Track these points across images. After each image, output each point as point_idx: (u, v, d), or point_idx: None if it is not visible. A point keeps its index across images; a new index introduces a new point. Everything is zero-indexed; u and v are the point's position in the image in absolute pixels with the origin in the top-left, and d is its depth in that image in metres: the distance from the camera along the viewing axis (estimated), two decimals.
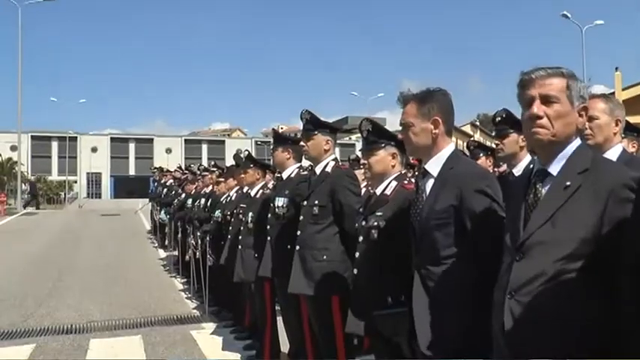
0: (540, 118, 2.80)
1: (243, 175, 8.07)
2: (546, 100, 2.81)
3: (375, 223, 4.47)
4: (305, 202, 5.82)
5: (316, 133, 5.84)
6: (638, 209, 2.47)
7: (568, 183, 2.67)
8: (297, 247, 5.76)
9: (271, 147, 7.22)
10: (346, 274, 5.39)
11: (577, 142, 2.81)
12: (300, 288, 5.69)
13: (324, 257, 5.57)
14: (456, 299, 3.32)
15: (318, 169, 5.86)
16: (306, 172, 6.52)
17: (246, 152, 8.34)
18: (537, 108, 2.81)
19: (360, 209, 4.95)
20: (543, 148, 2.86)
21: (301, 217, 5.83)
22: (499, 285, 2.84)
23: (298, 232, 5.79)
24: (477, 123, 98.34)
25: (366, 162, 4.78)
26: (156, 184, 23.69)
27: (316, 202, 5.69)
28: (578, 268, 2.58)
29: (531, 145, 3.11)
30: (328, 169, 5.80)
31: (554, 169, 2.78)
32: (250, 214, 7.54)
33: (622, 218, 2.52)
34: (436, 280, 3.44)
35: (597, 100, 4.32)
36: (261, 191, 7.74)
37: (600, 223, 2.55)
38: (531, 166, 3.04)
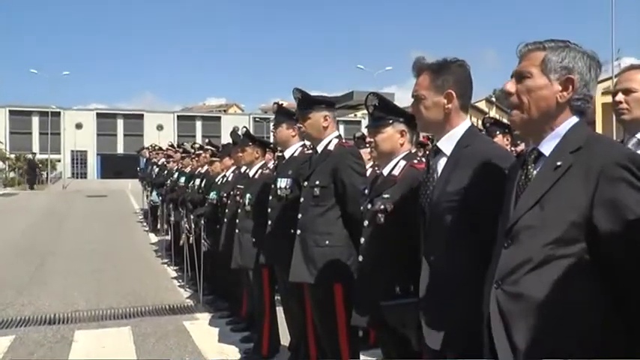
0: (510, 95, 2.85)
1: (240, 154, 8.08)
2: (520, 76, 2.84)
3: (382, 207, 4.47)
4: (305, 183, 5.83)
5: (311, 111, 5.83)
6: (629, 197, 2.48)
7: (559, 163, 2.65)
8: (298, 232, 5.78)
9: (272, 123, 7.20)
10: (350, 260, 5.42)
11: (573, 119, 2.78)
12: (300, 276, 5.71)
13: (327, 242, 5.59)
14: (466, 290, 3.27)
15: (319, 148, 5.87)
16: (310, 151, 6.51)
17: (244, 129, 8.33)
18: (509, 85, 2.87)
19: (366, 191, 4.94)
20: (521, 129, 2.91)
21: (302, 199, 5.84)
22: (488, 274, 2.83)
23: (299, 216, 5.81)
24: (493, 99, 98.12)
25: (372, 140, 4.74)
26: (146, 162, 23.69)
27: (317, 182, 5.69)
28: (568, 254, 2.56)
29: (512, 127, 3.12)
30: (331, 146, 5.80)
31: (547, 148, 2.77)
32: (248, 195, 7.56)
33: (613, 199, 2.49)
34: (445, 268, 3.41)
35: (637, 71, 4.24)
36: (260, 171, 7.76)
37: (590, 204, 2.52)
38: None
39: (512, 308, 2.65)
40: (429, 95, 3.66)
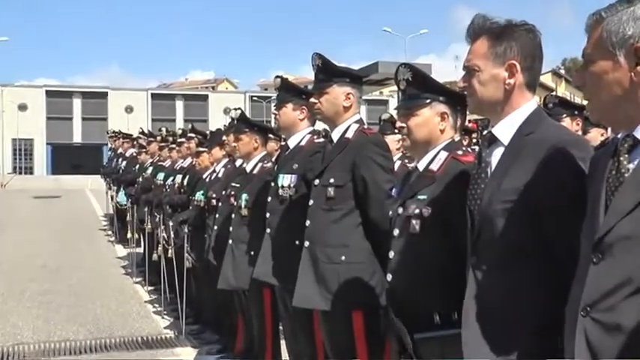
0: (583, 86, 2.83)
1: (235, 144, 8.09)
2: (586, 59, 2.81)
3: (417, 211, 4.40)
4: (317, 181, 5.84)
5: (332, 84, 5.82)
6: None
7: None
8: (306, 243, 5.80)
9: (274, 103, 7.18)
10: (373, 280, 5.46)
11: None
12: (308, 300, 5.74)
13: (342, 258, 5.60)
14: (526, 315, 3.27)
15: (335, 135, 5.87)
16: (322, 140, 6.53)
17: (239, 111, 8.36)
18: (576, 77, 2.88)
19: (393, 190, 4.93)
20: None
21: (311, 202, 5.86)
22: (571, 298, 2.78)
23: (307, 223, 5.83)
24: (562, 71, 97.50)
25: (404, 125, 4.67)
26: (111, 153, 23.70)
27: (331, 180, 5.69)
28: None
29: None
30: (350, 134, 5.78)
31: None
32: (244, 196, 7.58)
33: None
34: (499, 286, 3.38)
35: None
36: (260, 165, 7.80)
37: None
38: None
39: (606, 343, 2.57)
40: (486, 66, 3.60)
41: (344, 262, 5.58)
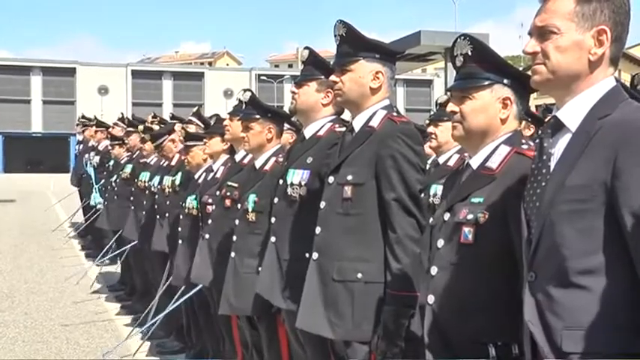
0: None
1: (243, 134, 7.85)
2: None
3: (471, 216, 4.37)
4: (331, 178, 5.88)
5: (358, 59, 5.82)
6: None
7: None
8: (315, 255, 5.85)
9: (296, 79, 6.98)
10: None
11: None
12: (316, 325, 5.75)
13: (359, 275, 5.64)
14: (603, 348, 3.26)
15: (357, 123, 5.91)
16: (344, 129, 6.38)
17: (248, 93, 8.18)
18: None
19: (435, 197, 4.89)
20: None
21: (323, 204, 5.90)
22: None
23: (317, 230, 5.87)
24: None
25: (456, 109, 4.63)
26: (81, 146, 23.57)
27: (349, 177, 5.72)
28: None
29: None
30: (375, 121, 5.79)
31: None
32: (252, 197, 7.46)
33: None
34: (565, 312, 3.36)
35: None
36: (273, 159, 7.68)
37: None
38: None
39: None
40: (569, 29, 3.55)
41: (360, 281, 5.62)
